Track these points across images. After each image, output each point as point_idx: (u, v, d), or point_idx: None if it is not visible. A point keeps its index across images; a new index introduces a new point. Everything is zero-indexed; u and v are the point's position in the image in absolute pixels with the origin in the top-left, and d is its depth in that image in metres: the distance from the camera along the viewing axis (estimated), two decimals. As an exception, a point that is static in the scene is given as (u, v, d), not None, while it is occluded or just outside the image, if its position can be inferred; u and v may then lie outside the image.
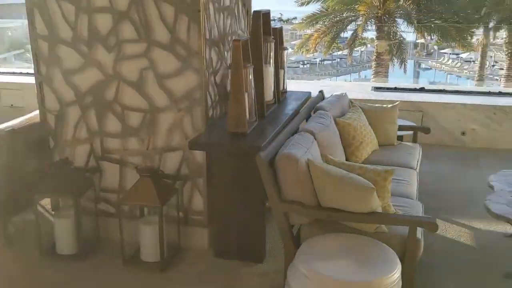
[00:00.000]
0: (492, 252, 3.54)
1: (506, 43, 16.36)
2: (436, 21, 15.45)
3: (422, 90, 6.44)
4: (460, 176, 4.98)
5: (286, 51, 4.31)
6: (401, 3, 15.69)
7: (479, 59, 18.83)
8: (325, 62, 31.57)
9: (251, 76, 3.34)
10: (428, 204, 4.19)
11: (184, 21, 3.18)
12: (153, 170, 3.29)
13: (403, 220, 2.75)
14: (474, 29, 17.26)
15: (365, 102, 5.30)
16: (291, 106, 4.05)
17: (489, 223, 3.90)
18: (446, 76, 31.98)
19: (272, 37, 3.81)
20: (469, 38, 16.47)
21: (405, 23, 15.99)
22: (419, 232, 2.75)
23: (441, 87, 6.71)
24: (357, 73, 32.74)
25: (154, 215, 3.35)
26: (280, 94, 4.13)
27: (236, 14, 3.84)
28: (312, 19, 17.02)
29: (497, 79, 24.04)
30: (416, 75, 31.23)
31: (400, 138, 4.68)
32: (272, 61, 3.82)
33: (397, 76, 17.55)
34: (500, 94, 6.20)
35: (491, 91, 6.36)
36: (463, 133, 5.83)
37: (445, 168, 5.19)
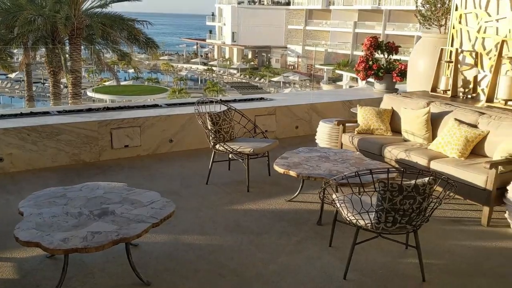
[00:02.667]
0: (36, 275, 3.45)
1: (47, 62, 16.89)
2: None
3: None
4: None
5: None
6: None
7: (25, 78, 18.76)
8: None
9: None
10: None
11: None
12: None
13: None
14: (14, 49, 17.06)
15: None
16: None
17: (26, 249, 3.78)
18: (-1, 97, 30.54)
19: None
20: (9, 58, 16.13)
21: None
22: None
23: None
24: None
25: None
26: None
27: None
28: None
29: (49, 97, 24.78)
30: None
31: None
32: None
33: None
34: (32, 114, 6.18)
35: (23, 112, 6.26)
36: (1, 160, 5.52)
37: (-16, 202, 4.76)
